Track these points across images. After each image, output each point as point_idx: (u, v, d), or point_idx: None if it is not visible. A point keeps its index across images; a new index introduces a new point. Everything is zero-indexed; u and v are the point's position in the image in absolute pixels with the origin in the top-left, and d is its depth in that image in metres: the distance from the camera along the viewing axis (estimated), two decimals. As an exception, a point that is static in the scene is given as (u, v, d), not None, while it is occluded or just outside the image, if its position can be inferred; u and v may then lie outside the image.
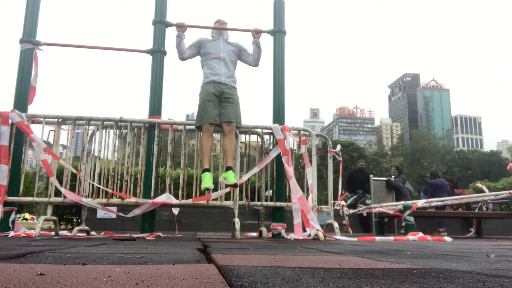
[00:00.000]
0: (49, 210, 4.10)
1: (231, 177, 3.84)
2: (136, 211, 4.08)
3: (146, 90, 4.48)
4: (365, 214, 7.98)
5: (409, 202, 6.53)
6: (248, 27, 4.55)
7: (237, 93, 4.20)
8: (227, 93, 4.08)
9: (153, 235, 3.97)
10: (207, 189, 3.82)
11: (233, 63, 4.29)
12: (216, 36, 4.34)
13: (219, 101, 4.08)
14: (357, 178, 9.59)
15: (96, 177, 4.20)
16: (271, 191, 4.53)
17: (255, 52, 4.36)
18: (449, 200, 7.31)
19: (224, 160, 4.11)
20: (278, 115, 4.58)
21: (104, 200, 4.09)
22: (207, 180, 3.83)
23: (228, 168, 3.92)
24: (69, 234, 4.19)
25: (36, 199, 4.15)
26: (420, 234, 4.66)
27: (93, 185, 4.14)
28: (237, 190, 4.21)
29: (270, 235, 4.41)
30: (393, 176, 9.79)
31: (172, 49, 4.34)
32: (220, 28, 4.36)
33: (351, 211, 7.83)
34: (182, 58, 4.31)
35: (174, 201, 4.13)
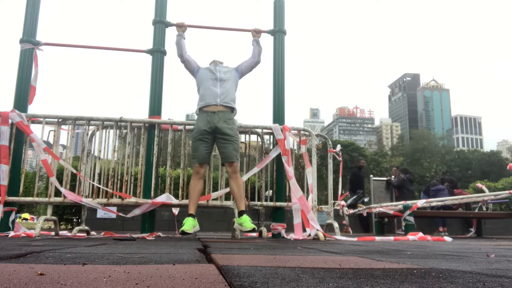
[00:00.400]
0: (49, 210, 4.10)
1: (247, 223, 3.55)
2: (136, 211, 4.09)
3: (146, 90, 4.48)
4: (365, 214, 7.98)
5: (409, 202, 6.53)
6: (248, 27, 4.56)
7: (234, 120, 3.90)
8: (221, 127, 3.74)
9: (153, 235, 3.97)
10: (184, 232, 3.49)
11: (232, 83, 4.00)
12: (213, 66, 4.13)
13: (213, 137, 3.80)
14: (361, 176, 9.60)
15: (96, 177, 4.20)
16: (271, 191, 4.53)
17: (255, 48, 4.19)
18: (449, 200, 7.32)
19: (234, 204, 3.94)
20: (278, 115, 4.58)
21: (104, 200, 4.09)
22: (187, 224, 3.56)
23: (241, 213, 3.66)
24: (69, 234, 4.19)
25: (36, 199, 4.15)
26: (420, 234, 4.66)
27: (93, 185, 4.14)
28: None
29: (270, 235, 4.41)
30: (393, 176, 9.78)
31: (172, 49, 4.34)
32: (219, 28, 4.36)
33: (351, 211, 7.83)
34: (181, 54, 4.07)
35: (174, 201, 4.14)
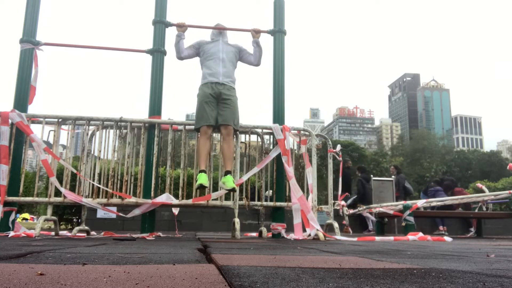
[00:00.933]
0: (49, 210, 4.10)
1: (229, 182, 3.84)
2: (136, 211, 4.08)
3: (146, 90, 4.48)
4: (365, 214, 7.98)
5: (409, 202, 6.53)
6: (248, 27, 4.56)
7: (236, 94, 4.16)
8: (225, 94, 4.03)
9: (153, 235, 3.97)
10: (202, 186, 3.79)
11: (232, 64, 4.24)
12: (216, 38, 4.31)
13: (217, 103, 4.04)
14: (348, 176, 9.61)
15: (96, 177, 4.20)
16: (271, 191, 4.53)
17: (256, 51, 4.33)
18: (449, 200, 7.32)
19: (223, 163, 4.10)
20: (278, 115, 4.58)
21: (104, 200, 4.09)
22: (202, 178, 3.83)
23: (226, 172, 3.93)
24: (69, 234, 4.19)
25: (36, 199, 4.15)
26: (420, 234, 4.66)
27: (93, 185, 4.14)
28: (237, 190, 4.21)
29: (270, 235, 4.41)
30: (392, 176, 9.78)
31: (173, 49, 4.34)
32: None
33: (351, 211, 7.83)
34: (180, 57, 4.28)
35: (174, 201, 4.13)
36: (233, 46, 4.31)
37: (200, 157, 4.00)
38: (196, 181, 3.89)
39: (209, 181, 4.25)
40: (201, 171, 3.91)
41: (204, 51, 4.22)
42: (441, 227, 8.38)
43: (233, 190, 3.91)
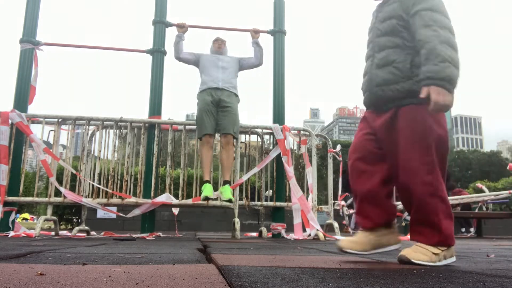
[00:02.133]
0: (49, 210, 4.10)
1: (227, 192, 3.79)
2: (136, 211, 4.08)
3: (146, 90, 4.49)
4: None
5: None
6: (248, 27, 4.56)
7: (236, 101, 4.06)
8: (225, 101, 3.92)
9: (153, 235, 3.97)
10: (207, 198, 3.79)
11: (233, 71, 4.14)
12: (216, 53, 4.22)
13: (216, 110, 3.94)
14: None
15: (96, 177, 4.20)
16: (271, 191, 4.53)
17: (256, 51, 4.27)
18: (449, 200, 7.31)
19: (221, 172, 4.07)
20: (278, 115, 4.58)
21: (104, 200, 4.09)
22: (207, 190, 3.80)
23: (225, 182, 3.88)
24: (69, 234, 4.19)
25: (36, 199, 4.15)
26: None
27: (93, 185, 4.14)
28: (237, 190, 4.21)
29: (270, 235, 4.41)
30: None
31: (172, 49, 4.34)
32: (219, 28, 4.36)
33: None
34: (178, 57, 4.18)
35: (174, 201, 4.13)
36: (232, 58, 4.25)
37: (204, 168, 3.93)
38: (201, 192, 3.84)
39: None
40: (206, 182, 3.87)
41: (203, 60, 4.15)
42: None
43: (230, 201, 3.87)
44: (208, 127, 3.87)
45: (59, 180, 4.16)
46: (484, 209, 7.85)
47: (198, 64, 4.18)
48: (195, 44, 4.81)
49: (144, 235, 3.91)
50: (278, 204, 4.34)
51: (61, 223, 8.48)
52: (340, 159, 4.83)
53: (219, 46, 4.26)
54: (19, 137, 4.10)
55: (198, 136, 3.98)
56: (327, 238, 3.96)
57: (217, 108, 3.94)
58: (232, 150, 4.03)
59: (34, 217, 25.03)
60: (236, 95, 4.06)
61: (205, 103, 3.91)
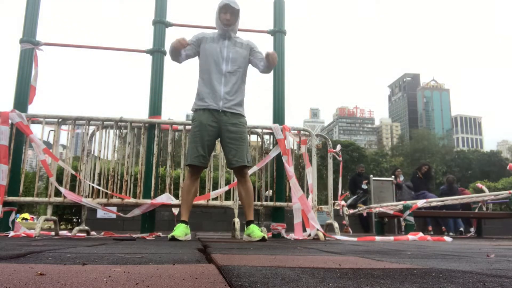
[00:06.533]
0: (49, 210, 4.10)
1: (256, 232, 3.24)
2: (136, 211, 4.09)
3: (146, 90, 4.48)
4: (365, 214, 7.99)
5: (409, 202, 6.53)
6: (247, 27, 4.55)
7: (245, 122, 3.44)
8: (230, 129, 3.29)
9: (153, 235, 3.97)
10: (174, 238, 3.02)
11: (242, 72, 3.41)
12: (221, 31, 3.42)
13: (218, 132, 3.34)
14: (357, 183, 9.66)
15: (96, 177, 4.20)
16: (271, 191, 4.52)
17: (267, 66, 3.45)
18: (449, 200, 7.32)
19: (234, 204, 3.70)
20: (278, 115, 4.58)
21: (104, 200, 4.09)
22: (179, 229, 3.12)
23: (249, 223, 3.37)
24: (69, 234, 4.19)
25: (36, 199, 4.15)
26: (420, 234, 4.66)
27: (92, 186, 4.14)
28: (237, 190, 4.21)
29: (270, 235, 4.41)
30: (402, 177, 9.79)
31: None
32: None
33: (351, 211, 7.84)
34: (178, 62, 3.53)
35: (174, 201, 4.13)
36: (243, 46, 3.46)
37: (184, 204, 3.33)
38: (173, 230, 3.15)
39: (208, 187, 4.24)
40: (181, 221, 3.25)
41: (205, 54, 3.41)
42: (430, 227, 8.48)
43: (263, 240, 3.17)
44: (200, 159, 3.27)
45: (59, 180, 4.16)
46: (484, 209, 7.86)
47: (199, 52, 3.46)
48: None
49: (144, 235, 3.91)
50: (278, 204, 4.34)
51: (61, 223, 8.48)
52: (340, 159, 4.82)
53: (228, 20, 3.35)
54: (19, 137, 4.10)
55: (186, 163, 3.39)
56: (327, 238, 3.96)
57: (219, 130, 3.34)
58: (250, 183, 3.47)
59: (34, 217, 25.05)
60: (243, 115, 3.44)
61: (202, 127, 3.28)
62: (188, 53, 3.47)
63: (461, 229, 8.38)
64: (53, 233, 4.26)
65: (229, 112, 3.33)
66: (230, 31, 3.42)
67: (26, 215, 23.56)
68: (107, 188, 4.11)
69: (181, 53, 3.43)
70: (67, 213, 8.52)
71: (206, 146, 3.31)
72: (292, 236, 4.04)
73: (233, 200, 4.23)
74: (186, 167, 3.47)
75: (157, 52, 4.48)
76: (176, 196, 4.21)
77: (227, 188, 4.29)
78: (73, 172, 4.08)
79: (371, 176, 10.02)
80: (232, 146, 3.32)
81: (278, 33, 4.74)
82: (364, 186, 9.37)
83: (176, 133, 4.41)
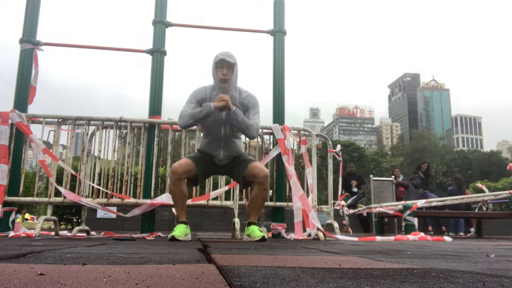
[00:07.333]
0: (49, 210, 4.10)
1: (256, 232, 3.24)
2: (136, 211, 4.09)
3: (146, 90, 4.48)
4: (365, 214, 7.99)
5: (409, 202, 6.53)
6: (248, 27, 4.55)
7: (243, 148, 3.69)
8: (230, 166, 3.47)
9: (153, 235, 3.97)
10: (175, 238, 3.05)
11: (239, 135, 3.51)
12: (218, 88, 3.33)
13: (217, 168, 3.52)
14: (348, 182, 9.65)
15: (96, 177, 4.20)
16: (271, 191, 4.52)
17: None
18: (449, 200, 7.32)
19: (247, 212, 3.52)
20: (278, 115, 4.58)
21: (104, 200, 4.09)
22: (179, 230, 3.15)
23: (249, 224, 3.37)
24: (69, 234, 4.19)
25: (36, 199, 4.15)
26: (421, 234, 4.66)
27: (92, 186, 4.14)
28: (237, 190, 4.21)
29: (270, 235, 4.41)
30: (402, 177, 9.79)
31: (172, 50, 4.31)
32: (218, 28, 4.35)
33: (351, 211, 7.84)
34: (188, 128, 3.67)
35: (174, 201, 4.13)
36: (243, 106, 3.41)
37: (179, 206, 3.33)
38: (173, 230, 3.17)
39: (208, 187, 4.24)
40: (181, 222, 3.27)
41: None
42: (430, 227, 8.49)
43: (263, 239, 3.18)
44: (187, 163, 3.29)
45: (59, 180, 4.16)
46: (484, 209, 7.86)
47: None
48: (195, 46, 4.79)
49: (144, 235, 3.91)
50: (278, 204, 4.34)
51: (61, 223, 8.48)
52: (340, 159, 4.82)
53: (224, 75, 3.24)
54: (19, 137, 4.10)
55: (175, 165, 3.28)
56: (327, 238, 3.96)
57: (219, 169, 3.55)
58: (268, 191, 3.46)
59: (34, 217, 25.08)
60: (240, 146, 3.57)
61: (203, 158, 3.42)
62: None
63: (461, 233, 8.40)
64: (53, 233, 4.26)
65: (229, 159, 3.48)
66: (228, 87, 3.28)
67: (26, 215, 23.61)
68: (107, 188, 4.11)
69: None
70: (67, 213, 8.53)
71: (201, 169, 3.38)
72: (292, 236, 4.04)
73: (233, 200, 4.23)
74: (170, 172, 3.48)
75: (157, 52, 4.48)
76: (176, 196, 4.21)
77: (227, 188, 4.29)
78: (73, 172, 4.08)
79: (371, 176, 10.02)
80: (242, 168, 3.38)
81: (278, 33, 4.74)
82: (354, 189, 9.37)
83: (176, 133, 4.41)
